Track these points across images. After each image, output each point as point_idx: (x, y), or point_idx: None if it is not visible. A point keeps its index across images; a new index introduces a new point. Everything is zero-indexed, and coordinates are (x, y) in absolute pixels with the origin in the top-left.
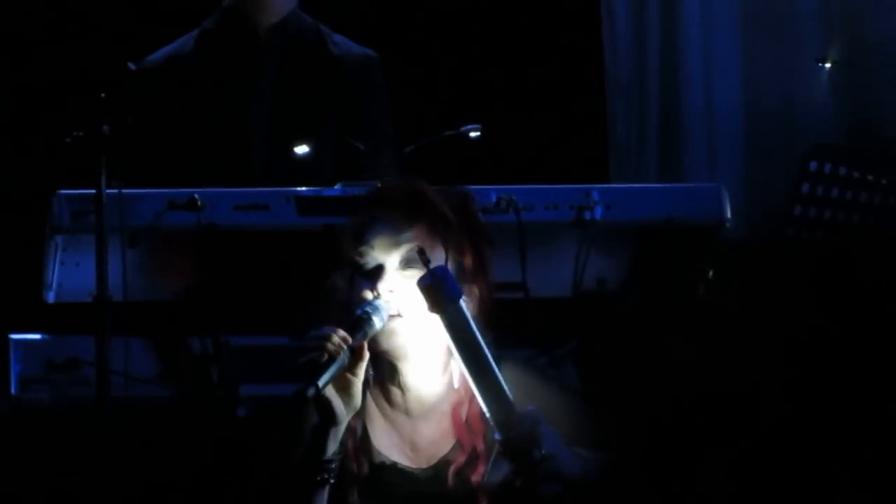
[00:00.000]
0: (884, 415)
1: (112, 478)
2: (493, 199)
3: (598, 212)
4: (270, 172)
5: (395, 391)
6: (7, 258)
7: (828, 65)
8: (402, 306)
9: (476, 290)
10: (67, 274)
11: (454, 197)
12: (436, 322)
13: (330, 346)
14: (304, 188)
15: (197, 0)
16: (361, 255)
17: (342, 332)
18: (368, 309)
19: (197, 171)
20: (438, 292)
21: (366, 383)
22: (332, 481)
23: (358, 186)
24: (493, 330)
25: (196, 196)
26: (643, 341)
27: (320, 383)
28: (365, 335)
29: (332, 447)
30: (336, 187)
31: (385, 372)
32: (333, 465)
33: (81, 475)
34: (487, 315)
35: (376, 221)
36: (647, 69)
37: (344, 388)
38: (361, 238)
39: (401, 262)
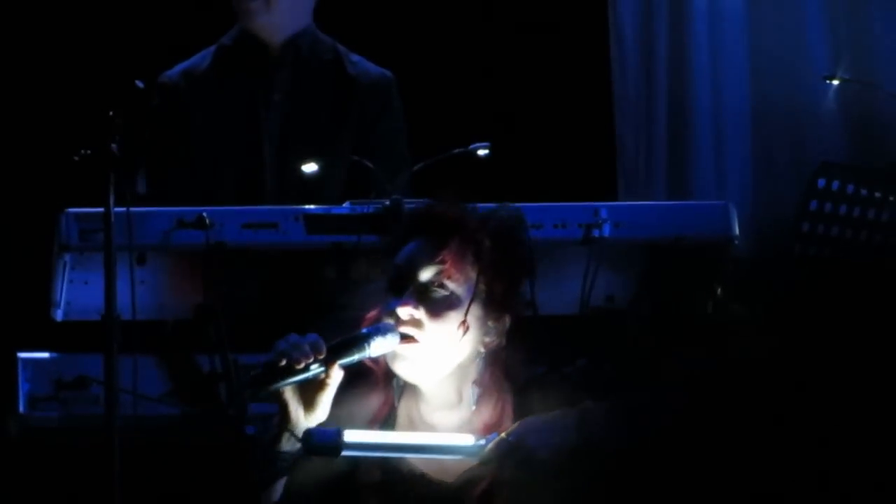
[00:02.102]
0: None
1: (121, 496)
2: None
3: (607, 229)
4: (282, 189)
5: (422, 406)
6: (16, 276)
7: (836, 82)
8: (417, 331)
9: (506, 317)
10: (76, 292)
11: (497, 220)
12: (450, 349)
13: (295, 353)
14: (312, 206)
15: (214, 18)
16: (390, 272)
17: (318, 345)
18: (372, 331)
19: (209, 187)
20: None
21: (399, 393)
22: (283, 476)
23: (367, 205)
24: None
25: (204, 214)
26: (652, 358)
27: (258, 387)
28: (350, 356)
29: (287, 444)
30: (345, 205)
31: (411, 388)
32: (286, 461)
33: (90, 493)
34: (516, 342)
35: (408, 240)
36: (655, 86)
37: (307, 396)
38: (392, 255)
39: (426, 285)
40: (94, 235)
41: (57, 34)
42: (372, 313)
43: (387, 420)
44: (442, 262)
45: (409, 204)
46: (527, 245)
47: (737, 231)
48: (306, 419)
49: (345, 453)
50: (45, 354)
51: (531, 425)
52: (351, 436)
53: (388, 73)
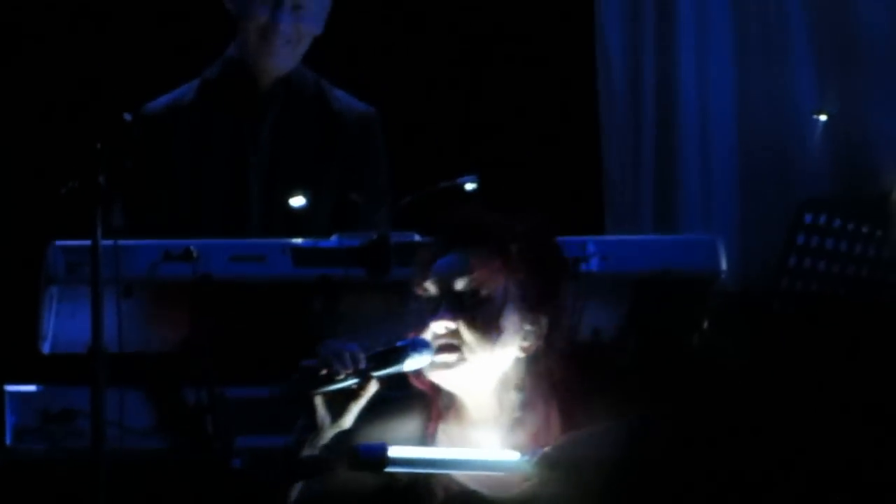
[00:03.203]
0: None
1: None
2: None
3: (594, 263)
4: (268, 223)
5: (464, 424)
6: (2, 309)
7: (823, 117)
8: (456, 341)
9: (542, 320)
10: (63, 325)
11: (524, 223)
12: (491, 359)
13: (336, 363)
14: (300, 239)
15: (197, 49)
16: (426, 286)
17: (357, 356)
18: (409, 346)
19: (195, 220)
20: None
21: (438, 413)
22: (299, 480)
23: (354, 238)
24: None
25: (192, 247)
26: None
27: (296, 391)
28: (387, 369)
29: (308, 449)
30: (332, 239)
31: (454, 401)
32: (307, 465)
33: None
34: (558, 344)
35: (438, 255)
36: (642, 120)
37: (336, 406)
38: (427, 269)
39: (459, 296)
40: (81, 268)
41: (42, 66)
42: (412, 333)
43: (427, 435)
44: (472, 271)
45: (396, 237)
46: (556, 245)
47: (724, 265)
48: (332, 427)
49: (389, 469)
50: (32, 387)
51: (576, 439)
52: (396, 451)
53: (371, 108)
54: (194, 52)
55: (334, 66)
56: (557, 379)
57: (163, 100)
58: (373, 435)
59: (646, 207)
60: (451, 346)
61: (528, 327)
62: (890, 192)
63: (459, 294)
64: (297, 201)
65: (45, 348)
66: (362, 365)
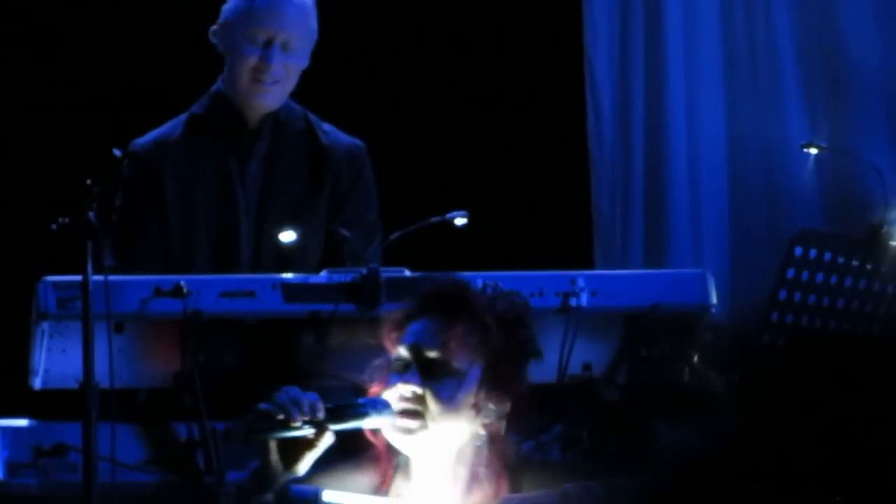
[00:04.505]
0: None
1: None
2: (480, 285)
3: (584, 298)
4: (258, 259)
5: (414, 485)
6: None
7: (813, 151)
8: (419, 408)
9: (506, 403)
10: (54, 360)
11: (503, 306)
12: (451, 432)
13: (293, 409)
14: (290, 275)
15: (186, 84)
16: (396, 348)
17: (316, 406)
18: (368, 404)
19: (185, 257)
20: None
21: (390, 472)
22: None
23: (344, 274)
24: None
25: (182, 283)
26: (629, 426)
27: (248, 432)
28: (345, 424)
29: (260, 493)
30: (322, 274)
31: (408, 464)
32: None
33: None
34: (517, 426)
35: (416, 318)
36: (631, 154)
37: (291, 452)
38: (401, 332)
39: (431, 364)
40: (72, 303)
41: (30, 101)
42: (375, 387)
43: (377, 494)
44: (448, 343)
45: (387, 273)
46: (532, 332)
47: (714, 299)
48: (285, 473)
49: None
50: (24, 422)
51: (510, 502)
52: (330, 496)
53: (359, 142)
54: (182, 86)
55: (323, 100)
56: (511, 461)
57: (151, 136)
58: (326, 485)
59: (635, 242)
60: (415, 412)
61: (491, 406)
62: (880, 226)
63: (431, 361)
64: (288, 237)
65: (37, 384)
66: (320, 415)
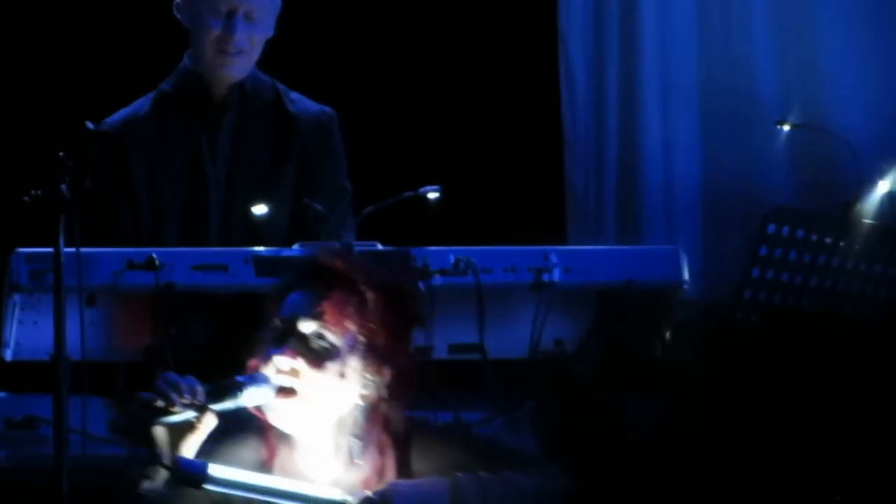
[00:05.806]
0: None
1: None
2: (452, 260)
3: (557, 274)
4: (227, 231)
5: (298, 457)
6: None
7: (786, 127)
8: (295, 381)
9: (385, 372)
10: (25, 332)
11: (384, 272)
12: (329, 403)
13: (172, 394)
14: (262, 248)
15: (158, 61)
16: (276, 321)
17: (195, 388)
18: (246, 381)
19: (156, 232)
20: None
21: (274, 445)
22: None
23: (316, 246)
24: (447, 393)
25: (154, 256)
26: (600, 402)
27: (132, 423)
28: (224, 403)
29: (149, 484)
30: (294, 247)
31: (290, 438)
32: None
33: None
34: (399, 395)
35: (293, 291)
36: (605, 130)
37: (175, 439)
38: (278, 305)
39: (306, 336)
40: (44, 276)
41: (9, 74)
42: (254, 362)
43: (263, 468)
44: (322, 314)
45: (359, 246)
46: (415, 297)
47: (686, 276)
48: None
49: (209, 487)
50: None
51: (399, 488)
52: (217, 470)
53: (328, 109)
54: (153, 64)
55: (291, 72)
56: (396, 429)
57: (120, 114)
58: (213, 460)
59: (608, 218)
60: (289, 389)
61: (370, 377)
62: (853, 203)
63: (306, 335)
64: (260, 209)
65: (7, 356)
66: (200, 398)
